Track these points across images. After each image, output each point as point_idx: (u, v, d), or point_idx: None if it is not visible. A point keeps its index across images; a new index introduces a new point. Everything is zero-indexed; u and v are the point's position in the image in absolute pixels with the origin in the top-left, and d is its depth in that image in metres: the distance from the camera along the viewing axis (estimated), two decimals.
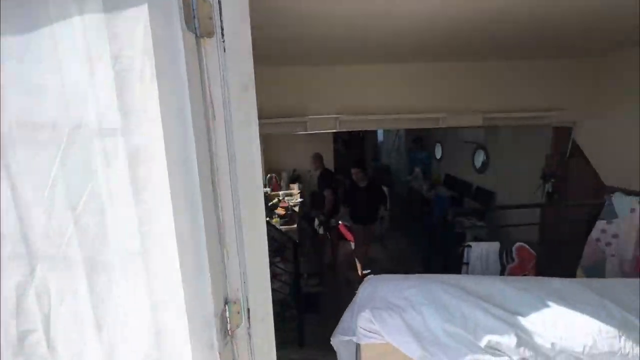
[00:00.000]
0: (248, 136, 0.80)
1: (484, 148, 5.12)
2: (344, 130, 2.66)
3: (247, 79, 0.78)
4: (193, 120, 0.67)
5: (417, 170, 6.94)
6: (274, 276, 2.41)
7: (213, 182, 0.76)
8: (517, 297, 0.99)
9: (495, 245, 1.49)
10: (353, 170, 3.99)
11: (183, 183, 0.68)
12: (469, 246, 1.49)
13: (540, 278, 1.12)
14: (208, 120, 0.73)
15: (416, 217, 6.43)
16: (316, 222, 4.13)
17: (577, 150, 2.72)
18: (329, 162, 6.12)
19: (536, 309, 0.92)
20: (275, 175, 5.43)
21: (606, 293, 0.95)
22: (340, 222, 5.26)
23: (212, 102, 0.73)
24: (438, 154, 7.15)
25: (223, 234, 0.79)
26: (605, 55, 2.41)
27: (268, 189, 4.99)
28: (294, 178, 5.70)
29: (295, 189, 5.36)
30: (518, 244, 1.56)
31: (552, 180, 2.85)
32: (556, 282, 1.07)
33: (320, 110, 2.58)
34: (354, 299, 1.09)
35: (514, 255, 1.45)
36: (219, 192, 0.77)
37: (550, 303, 0.94)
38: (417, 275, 1.15)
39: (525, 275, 1.53)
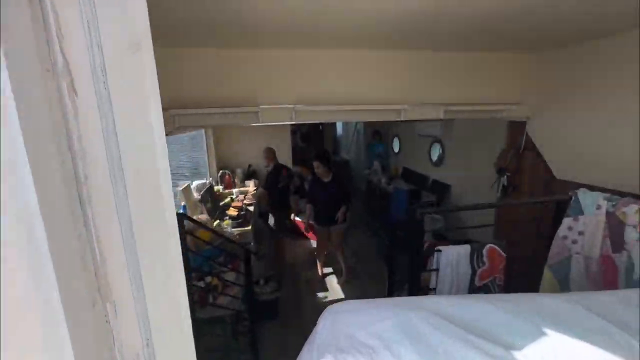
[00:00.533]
0: (143, 121, 0.52)
1: (439, 142, 5.20)
2: (301, 122, 2.42)
3: (137, 34, 0.49)
4: (17, 95, 0.37)
5: (376, 163, 6.94)
6: (223, 289, 2.12)
7: (80, 198, 0.47)
8: (507, 322, 0.84)
9: (465, 249, 1.37)
10: (315, 164, 3.72)
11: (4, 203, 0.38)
12: (439, 251, 1.35)
13: (527, 295, 0.99)
14: (62, 97, 0.44)
15: (376, 211, 6.43)
16: (271, 220, 3.85)
17: (530, 145, 2.76)
18: (288, 157, 5.84)
19: (531, 338, 0.77)
20: (228, 172, 5.02)
21: (602, 311, 0.84)
22: (297, 218, 5.05)
23: (68, 67, 0.44)
24: (396, 147, 7.22)
25: (103, 277, 0.50)
26: (551, 51, 2.44)
27: (220, 187, 4.58)
28: (250, 174, 5.35)
29: (251, 185, 5.00)
30: (489, 245, 1.46)
31: (507, 174, 2.88)
32: (545, 299, 0.93)
33: (274, 99, 2.30)
34: (313, 333, 0.87)
35: (485, 257, 1.35)
36: (90, 214, 0.48)
37: (545, 329, 0.80)
38: (389, 301, 0.95)
39: (494, 277, 1.44)
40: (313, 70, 2.32)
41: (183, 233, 1.88)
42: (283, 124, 5.71)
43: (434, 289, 1.38)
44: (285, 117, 2.34)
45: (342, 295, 3.46)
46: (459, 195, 4.79)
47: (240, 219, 3.20)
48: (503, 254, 1.44)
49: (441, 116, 2.48)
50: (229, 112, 2.24)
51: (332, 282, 3.76)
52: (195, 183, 3.86)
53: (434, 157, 5.46)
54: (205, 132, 4.85)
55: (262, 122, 2.36)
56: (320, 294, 3.51)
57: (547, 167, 2.59)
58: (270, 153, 4.00)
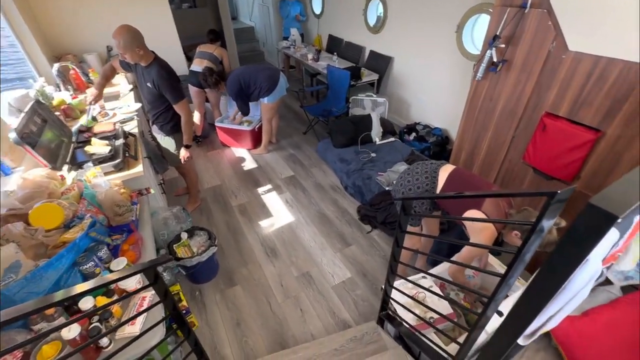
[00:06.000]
0: None
1: None
2: None
3: None
4: None
5: (294, 31, 5.40)
6: (125, 309, 1.17)
7: None
8: None
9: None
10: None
11: None
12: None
13: None
14: None
15: (308, 99, 5.36)
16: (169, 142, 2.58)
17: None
18: (170, 30, 3.89)
19: None
20: (72, 63, 3.05)
21: None
22: (217, 124, 3.76)
23: None
24: (317, 7, 5.59)
25: None
26: None
27: (67, 93, 2.77)
28: (127, 64, 3.47)
29: (126, 79, 3.26)
30: None
31: (500, 44, 2.13)
32: None
33: None
34: None
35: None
36: None
37: None
38: None
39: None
40: None
41: None
42: None
43: None
44: None
45: (290, 217, 2.82)
46: (405, 72, 4.03)
47: (118, 157, 1.90)
48: None
49: None
50: None
51: (273, 201, 3.04)
52: (6, 97, 2.13)
53: (372, 20, 4.31)
54: None
55: None
56: (265, 222, 2.80)
57: (558, 34, 1.90)
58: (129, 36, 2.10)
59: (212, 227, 2.75)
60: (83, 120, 2.32)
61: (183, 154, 2.48)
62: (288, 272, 2.33)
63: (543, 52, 1.99)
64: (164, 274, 2.07)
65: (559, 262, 0.61)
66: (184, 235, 2.20)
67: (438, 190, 1.63)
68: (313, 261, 2.41)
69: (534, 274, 0.68)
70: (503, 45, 2.14)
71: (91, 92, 2.40)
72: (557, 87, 1.97)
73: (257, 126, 3.72)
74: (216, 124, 3.79)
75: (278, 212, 2.91)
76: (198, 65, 3.53)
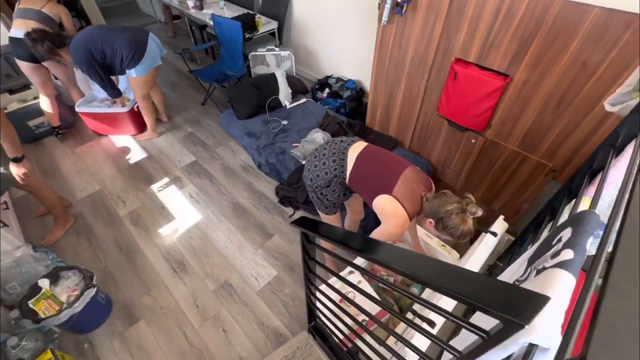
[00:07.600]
0: None
1: None
2: None
3: None
4: None
5: None
6: None
7: None
8: None
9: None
10: None
11: None
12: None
13: None
14: None
15: (196, 61, 4.45)
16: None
17: None
18: None
19: None
20: None
21: None
22: (78, 109, 2.84)
23: None
24: None
25: None
26: None
27: None
28: None
29: None
30: None
31: None
32: None
33: None
34: None
35: None
36: None
37: None
38: None
39: None
40: None
41: None
42: None
43: None
44: None
45: (197, 216, 2.38)
46: (308, 17, 3.48)
47: None
48: None
49: None
50: None
51: (173, 199, 2.51)
52: None
53: None
54: None
55: None
56: (166, 229, 2.31)
57: None
58: None
59: (97, 251, 2.16)
60: None
61: (15, 171, 1.76)
62: (203, 288, 1.96)
63: None
64: (24, 343, 1.53)
65: None
66: (44, 284, 1.63)
67: (348, 173, 1.38)
68: (231, 266, 2.07)
69: None
70: None
71: None
72: (465, 28, 1.74)
73: (135, 104, 2.93)
74: (77, 109, 2.88)
75: (181, 212, 2.41)
76: (20, 29, 2.47)
